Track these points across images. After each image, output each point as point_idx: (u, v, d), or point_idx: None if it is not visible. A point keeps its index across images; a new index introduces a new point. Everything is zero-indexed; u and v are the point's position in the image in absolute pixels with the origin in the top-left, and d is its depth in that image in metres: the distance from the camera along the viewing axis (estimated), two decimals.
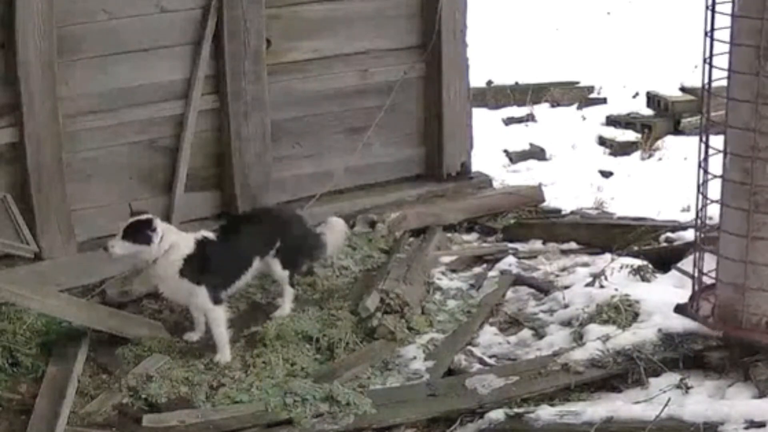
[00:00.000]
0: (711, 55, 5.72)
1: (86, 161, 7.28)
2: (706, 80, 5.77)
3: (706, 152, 5.87)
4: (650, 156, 10.70)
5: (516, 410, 5.76)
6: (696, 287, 6.12)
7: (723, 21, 5.69)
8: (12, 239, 7.02)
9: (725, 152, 5.78)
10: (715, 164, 5.89)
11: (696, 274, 6.09)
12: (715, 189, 5.96)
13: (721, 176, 5.84)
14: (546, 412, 5.71)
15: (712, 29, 5.69)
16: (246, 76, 7.55)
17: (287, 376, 6.25)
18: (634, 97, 11.97)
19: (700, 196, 5.95)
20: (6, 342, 6.48)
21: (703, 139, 5.86)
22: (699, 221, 6.03)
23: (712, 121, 5.81)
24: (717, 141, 5.87)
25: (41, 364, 6.41)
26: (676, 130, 11.04)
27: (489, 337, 6.73)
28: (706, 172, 5.89)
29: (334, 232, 7.16)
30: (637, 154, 10.77)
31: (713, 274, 6.02)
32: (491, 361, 6.43)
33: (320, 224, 7.20)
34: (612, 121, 11.48)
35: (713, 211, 6.10)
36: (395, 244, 7.70)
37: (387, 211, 7.94)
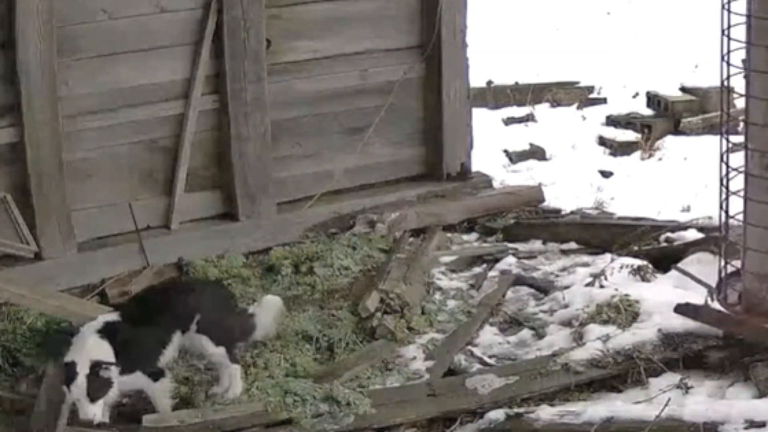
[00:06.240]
0: (728, 52, 5.76)
1: (86, 161, 7.28)
2: (725, 77, 5.82)
3: (727, 147, 5.91)
4: (650, 156, 10.68)
5: (516, 410, 5.76)
6: (721, 276, 6.12)
7: (737, 17, 5.73)
8: (12, 239, 7.02)
9: (746, 147, 5.82)
10: (733, 160, 5.94)
11: (722, 264, 6.10)
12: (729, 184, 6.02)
13: (744, 171, 5.88)
14: (546, 412, 5.71)
15: (729, 27, 5.72)
16: (246, 76, 7.54)
17: (287, 376, 6.25)
18: (634, 97, 11.94)
19: (723, 189, 5.98)
20: (6, 342, 6.49)
21: (724, 134, 5.91)
22: (723, 213, 6.03)
23: (730, 117, 5.87)
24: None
25: (41, 364, 6.41)
26: (676, 130, 11.02)
27: (489, 337, 6.73)
28: (728, 166, 5.93)
29: (268, 312, 6.46)
30: (637, 154, 10.75)
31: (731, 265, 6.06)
32: (491, 361, 6.44)
33: (254, 303, 6.65)
34: (612, 121, 11.45)
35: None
36: (395, 244, 7.69)
37: (387, 211, 7.93)
